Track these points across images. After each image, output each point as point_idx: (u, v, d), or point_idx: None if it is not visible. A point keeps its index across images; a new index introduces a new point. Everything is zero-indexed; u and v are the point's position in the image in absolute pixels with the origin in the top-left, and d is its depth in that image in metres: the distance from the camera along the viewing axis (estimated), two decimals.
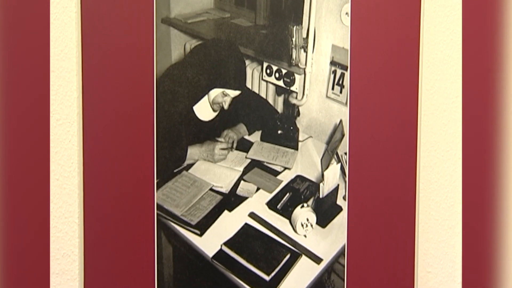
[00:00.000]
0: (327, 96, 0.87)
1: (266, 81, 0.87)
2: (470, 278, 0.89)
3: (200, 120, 0.88)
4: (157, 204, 0.88)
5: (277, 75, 0.87)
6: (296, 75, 0.87)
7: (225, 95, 0.87)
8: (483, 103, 0.86)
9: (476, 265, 0.88)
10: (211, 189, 0.89)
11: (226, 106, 0.88)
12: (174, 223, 0.88)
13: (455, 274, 0.90)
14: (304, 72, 0.87)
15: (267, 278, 0.89)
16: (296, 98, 0.88)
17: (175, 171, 0.88)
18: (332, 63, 0.87)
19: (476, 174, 0.87)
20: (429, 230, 0.90)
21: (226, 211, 0.89)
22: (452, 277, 0.90)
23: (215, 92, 0.87)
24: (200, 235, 0.88)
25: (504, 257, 0.88)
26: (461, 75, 0.87)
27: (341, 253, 0.89)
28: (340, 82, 0.87)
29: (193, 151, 0.88)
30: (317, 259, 0.89)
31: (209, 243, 0.88)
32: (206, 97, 0.87)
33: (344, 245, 0.88)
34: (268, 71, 0.87)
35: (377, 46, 0.86)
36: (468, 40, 0.86)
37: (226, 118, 0.88)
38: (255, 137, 0.88)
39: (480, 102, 0.87)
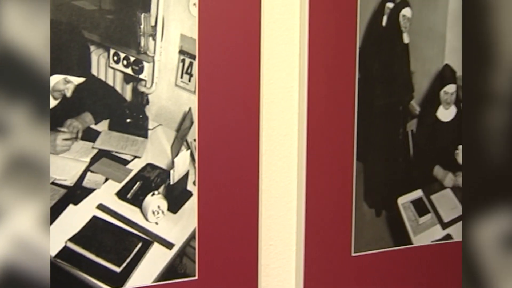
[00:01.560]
0: (176, 85, 0.89)
1: (114, 69, 0.84)
2: (305, 245, 1.01)
3: None
4: None
5: (125, 62, 0.85)
6: (144, 63, 0.86)
7: (67, 82, 0.82)
8: (319, 93, 0.98)
9: (311, 233, 1.00)
10: (53, 183, 0.83)
11: (68, 94, 0.82)
12: None
13: (291, 244, 1.01)
14: (153, 60, 0.86)
15: (117, 269, 0.87)
16: (145, 86, 0.87)
17: None
18: (181, 52, 0.88)
19: (309, 156, 0.99)
20: (271, 208, 0.99)
21: (71, 205, 0.84)
22: (289, 246, 1.01)
23: (55, 79, 0.81)
24: None
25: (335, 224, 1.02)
26: (304, 67, 0.97)
27: (192, 237, 0.92)
28: (189, 71, 0.89)
29: None
30: (169, 245, 0.90)
31: (52, 241, 0.82)
32: None
33: (195, 229, 0.92)
34: (115, 58, 0.84)
35: (223, 37, 0.90)
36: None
37: (69, 106, 0.82)
38: (103, 126, 0.85)
39: (315, 92, 0.98)
